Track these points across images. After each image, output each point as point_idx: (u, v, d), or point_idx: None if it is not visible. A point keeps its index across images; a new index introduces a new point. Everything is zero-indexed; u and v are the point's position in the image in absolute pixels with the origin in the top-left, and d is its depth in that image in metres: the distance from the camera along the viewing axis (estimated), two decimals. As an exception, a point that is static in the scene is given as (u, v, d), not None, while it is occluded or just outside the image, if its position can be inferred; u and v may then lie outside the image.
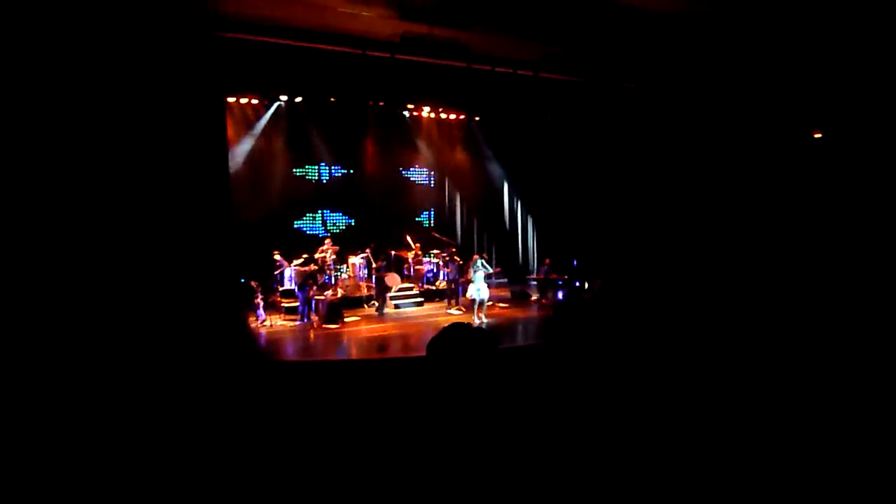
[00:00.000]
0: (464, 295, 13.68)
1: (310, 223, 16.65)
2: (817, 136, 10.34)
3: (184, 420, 4.32)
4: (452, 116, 16.82)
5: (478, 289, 12.37)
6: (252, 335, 11.17)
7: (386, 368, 8.29)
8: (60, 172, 7.06)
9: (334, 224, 17.01)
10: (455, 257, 15.02)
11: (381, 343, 10.51)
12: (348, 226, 16.98)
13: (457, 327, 1.94)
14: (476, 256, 13.01)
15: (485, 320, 12.29)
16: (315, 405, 5.48)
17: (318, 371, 8.30)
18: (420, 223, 17.71)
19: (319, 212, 16.71)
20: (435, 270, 15.99)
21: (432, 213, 18.62)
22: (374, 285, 14.07)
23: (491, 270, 13.05)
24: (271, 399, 5.81)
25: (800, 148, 10.58)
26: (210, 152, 9.09)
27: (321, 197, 16.60)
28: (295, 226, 16.21)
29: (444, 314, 13.69)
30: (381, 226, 16.92)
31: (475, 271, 12.50)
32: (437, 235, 16.82)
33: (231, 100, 13.70)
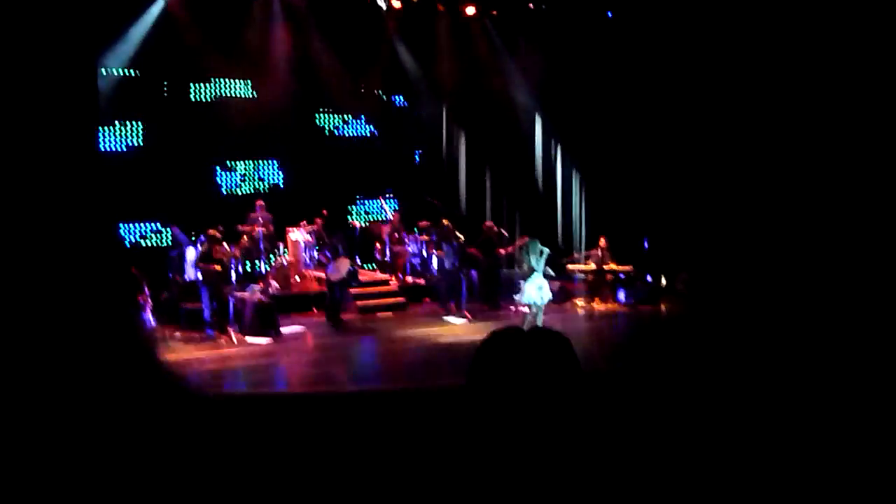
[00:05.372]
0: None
1: (229, 177, 16.44)
2: None
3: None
4: (455, 9, 17.07)
5: (539, 287, 12.03)
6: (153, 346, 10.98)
7: (351, 406, 8.26)
8: None
9: (260, 180, 16.72)
10: (455, 233, 14.80)
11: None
12: (285, 183, 16.80)
13: (512, 333, 2.00)
14: (525, 238, 12.78)
15: None
16: (231, 465, 5.63)
17: (235, 410, 8.21)
18: (402, 179, 17.83)
19: (242, 162, 16.49)
20: (424, 254, 16.11)
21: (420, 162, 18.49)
22: (328, 276, 13.90)
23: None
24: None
25: None
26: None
27: (243, 134, 16.14)
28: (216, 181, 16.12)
29: (440, 323, 13.77)
30: (337, 183, 16.69)
31: (533, 259, 12.01)
32: (427, 198, 17.01)
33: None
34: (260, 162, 16.66)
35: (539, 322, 12.02)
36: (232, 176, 16.41)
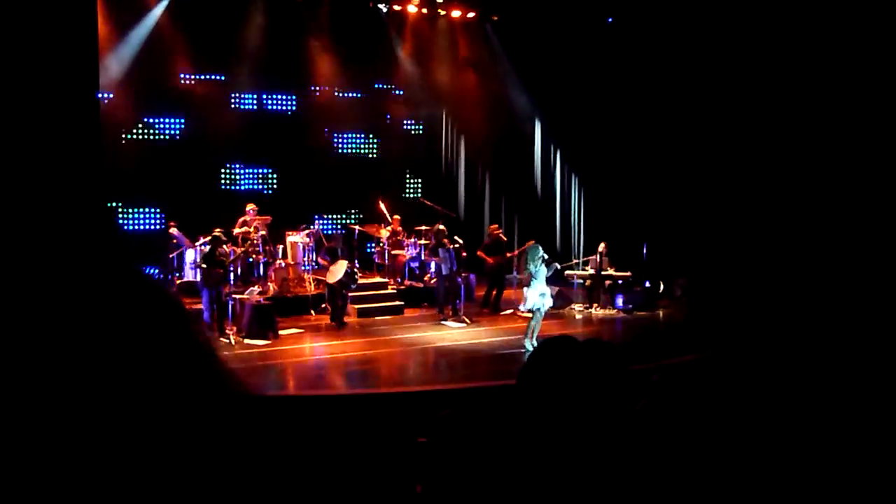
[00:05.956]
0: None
1: (231, 177, 16.59)
2: None
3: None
4: (457, 14, 17.26)
5: (542, 294, 11.87)
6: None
7: (348, 409, 8.41)
8: None
9: (262, 180, 16.84)
10: (453, 237, 14.74)
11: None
12: (283, 186, 16.89)
13: (563, 343, 2.03)
14: (531, 242, 12.64)
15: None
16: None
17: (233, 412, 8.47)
18: (401, 183, 17.97)
19: (240, 166, 16.65)
20: (423, 258, 16.11)
21: (420, 167, 18.56)
22: (326, 279, 13.96)
23: (556, 267, 12.69)
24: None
25: None
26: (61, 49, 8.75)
27: (243, 138, 16.36)
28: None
29: (437, 326, 13.83)
30: (337, 186, 16.75)
31: (533, 265, 11.87)
32: (427, 203, 17.06)
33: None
34: (258, 166, 16.77)
35: (535, 329, 11.95)
36: (232, 176, 16.54)
